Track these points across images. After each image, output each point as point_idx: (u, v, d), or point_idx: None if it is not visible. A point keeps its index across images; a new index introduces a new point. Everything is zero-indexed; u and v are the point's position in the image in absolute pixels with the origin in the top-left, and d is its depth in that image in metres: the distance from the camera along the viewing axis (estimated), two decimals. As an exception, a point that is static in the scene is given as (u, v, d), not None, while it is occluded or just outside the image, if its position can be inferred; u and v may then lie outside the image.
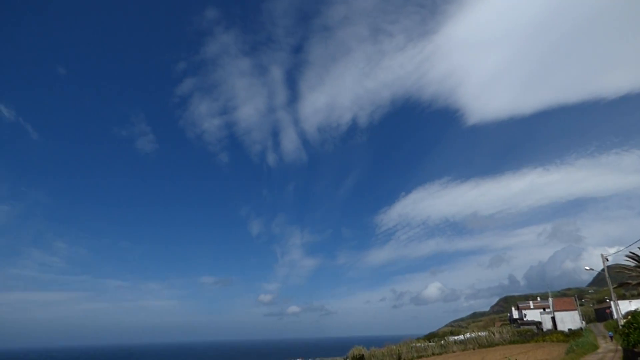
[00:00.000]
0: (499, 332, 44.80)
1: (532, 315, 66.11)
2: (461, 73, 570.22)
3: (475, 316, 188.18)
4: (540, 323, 53.48)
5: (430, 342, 45.20)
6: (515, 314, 73.03)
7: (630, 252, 30.42)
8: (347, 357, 44.86)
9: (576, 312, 51.41)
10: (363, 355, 39.45)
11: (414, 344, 42.28)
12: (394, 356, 38.26)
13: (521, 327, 55.39)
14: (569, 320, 49.52)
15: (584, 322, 53.39)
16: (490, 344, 40.82)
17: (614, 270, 36.68)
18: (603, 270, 33.72)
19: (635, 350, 18.46)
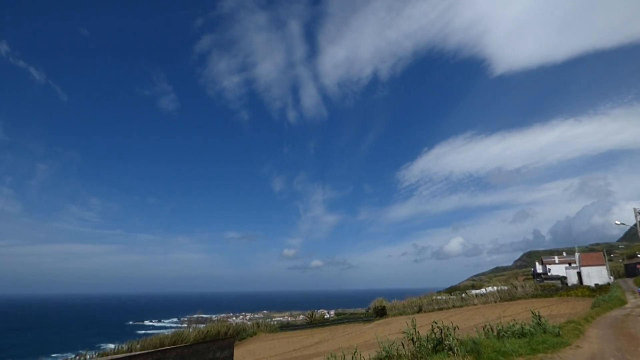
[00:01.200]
0: (522, 286, 44.34)
1: (557, 270, 65.16)
2: (488, 20, 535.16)
3: (497, 271, 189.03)
4: (565, 278, 52.61)
5: (451, 295, 45.29)
6: (539, 268, 72.25)
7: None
8: (369, 309, 45.60)
9: (604, 267, 50.10)
10: (385, 306, 39.85)
11: (434, 297, 42.35)
12: (415, 308, 38.42)
13: (545, 281, 54.76)
14: (596, 275, 48.40)
15: (612, 278, 52.20)
16: (512, 298, 40.43)
17: (649, 225, 34.93)
18: (635, 225, 32.05)
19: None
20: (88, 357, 21.32)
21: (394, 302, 41.97)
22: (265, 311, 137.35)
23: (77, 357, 20.91)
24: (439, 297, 41.21)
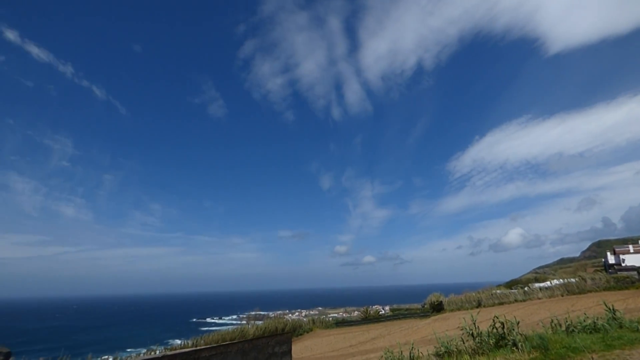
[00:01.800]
0: (591, 278, 41.19)
1: (633, 260, 59.89)
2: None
3: (562, 262, 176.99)
4: (641, 268, 48.25)
5: (512, 289, 43.16)
6: (611, 259, 66.81)
7: None
8: (424, 304, 44.68)
9: (688, 256, 45.38)
10: (441, 301, 38.81)
11: (494, 291, 40.56)
12: (473, 303, 37.04)
13: (618, 273, 50.57)
14: (679, 265, 43.99)
15: (698, 267, 47.17)
16: (580, 291, 37.71)
17: None
18: None
19: None
20: (158, 351, 22.80)
21: (451, 297, 40.74)
22: (320, 308, 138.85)
23: (149, 352, 22.36)
24: (498, 291, 39.38)
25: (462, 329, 10.21)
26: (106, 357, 19.70)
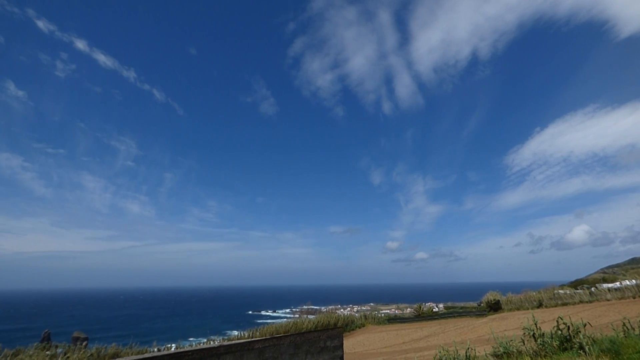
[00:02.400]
0: (673, 279, 37.38)
1: None
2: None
3: (635, 262, 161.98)
4: None
5: (577, 289, 40.27)
6: (696, 257, 60.23)
7: None
8: (481, 302, 42.98)
9: None
10: (499, 300, 37.13)
11: (557, 291, 38.08)
12: (534, 303, 35.02)
13: None
14: None
15: None
16: (660, 292, 34.38)
17: None
18: None
19: None
20: (217, 341, 23.95)
21: (509, 296, 38.80)
22: (372, 303, 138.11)
23: (208, 342, 23.51)
24: (561, 292, 36.90)
25: (522, 329, 9.72)
26: (170, 345, 20.97)
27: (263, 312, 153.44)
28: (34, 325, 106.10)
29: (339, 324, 34.40)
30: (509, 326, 22.50)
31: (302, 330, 20.99)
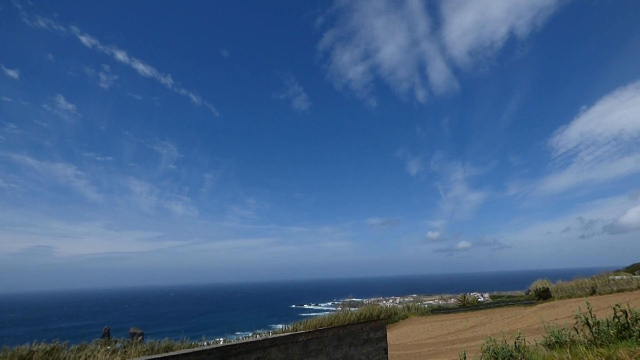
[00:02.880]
0: None
1: None
2: None
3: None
4: None
5: (634, 274, 37.83)
6: None
7: None
8: (529, 291, 41.43)
9: None
10: (548, 288, 35.65)
11: (611, 277, 35.97)
12: (586, 290, 33.34)
13: None
14: None
15: None
16: None
17: None
18: None
19: None
20: (263, 335, 24.62)
21: (559, 284, 37.09)
22: (414, 295, 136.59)
23: (254, 335, 24.19)
24: (617, 277, 34.81)
25: (575, 318, 9.29)
26: (218, 339, 21.76)
27: (306, 306, 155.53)
28: (95, 322, 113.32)
29: (382, 316, 34.33)
30: (560, 315, 21.59)
31: (345, 323, 21.12)
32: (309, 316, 34.07)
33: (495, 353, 8.77)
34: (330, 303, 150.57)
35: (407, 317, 36.31)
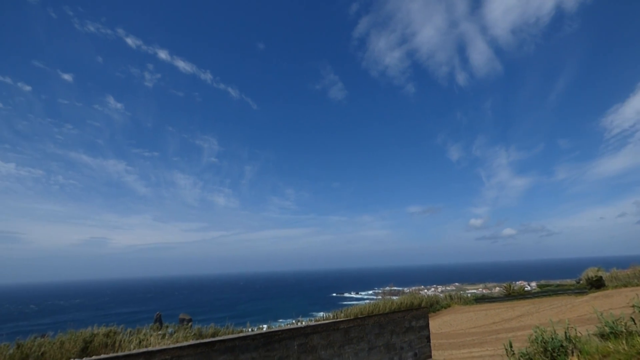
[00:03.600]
0: None
1: None
2: None
3: None
4: None
5: None
6: None
7: None
8: (579, 279, 39.44)
9: None
10: (601, 277, 33.76)
11: (677, 264, 33.50)
12: (647, 278, 31.33)
13: None
14: None
15: None
16: None
17: None
18: None
19: None
20: (304, 322, 25.11)
21: (614, 272, 34.98)
22: (457, 283, 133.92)
23: (296, 322, 24.71)
24: (684, 264, 32.35)
25: (632, 307, 8.77)
26: (262, 325, 22.44)
27: (346, 294, 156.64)
28: (148, 308, 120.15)
29: (423, 305, 33.95)
30: (614, 305, 20.46)
31: (386, 311, 21.13)
32: (349, 304, 34.31)
33: (544, 343, 8.47)
34: (370, 292, 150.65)
35: (449, 306, 35.71)
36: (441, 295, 41.99)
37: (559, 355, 8.08)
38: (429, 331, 7.60)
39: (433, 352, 7.78)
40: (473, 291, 64.12)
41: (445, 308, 35.16)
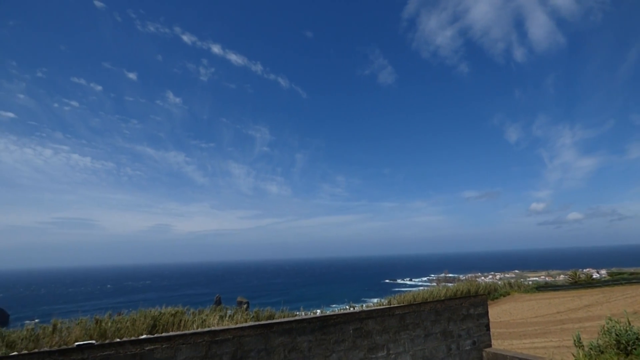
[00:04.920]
0: None
1: None
2: None
3: None
4: None
5: None
6: None
7: None
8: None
9: None
10: (684, 265, 30.61)
11: None
12: None
13: None
14: None
15: None
16: None
17: None
18: None
19: None
20: (357, 308, 25.29)
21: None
22: (516, 270, 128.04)
23: (349, 307, 24.97)
24: None
25: None
26: (315, 310, 22.89)
27: (399, 281, 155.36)
28: (208, 291, 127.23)
29: (480, 292, 32.83)
30: (703, 295, 18.54)
31: (442, 298, 20.73)
32: (403, 291, 34.00)
33: (617, 335, 7.86)
34: (425, 278, 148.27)
35: (508, 294, 34.27)
36: (499, 282, 40.37)
37: (635, 349, 7.46)
38: (488, 319, 7.34)
39: (492, 342, 7.52)
40: (534, 279, 60.95)
41: (504, 296, 33.81)
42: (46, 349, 5.28)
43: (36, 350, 5.17)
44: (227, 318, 14.57)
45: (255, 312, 16.68)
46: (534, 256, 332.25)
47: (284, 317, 16.55)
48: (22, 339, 5.74)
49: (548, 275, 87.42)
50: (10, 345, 5.39)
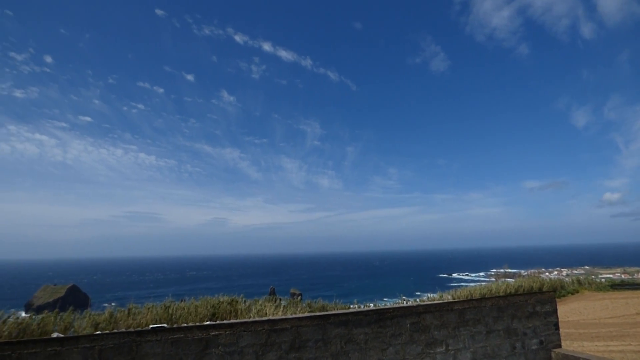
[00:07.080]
0: None
1: None
2: None
3: None
4: None
5: None
6: None
7: None
8: None
9: None
10: None
11: None
12: None
13: None
14: None
15: None
16: None
17: None
18: None
19: None
20: (410, 302, 24.83)
21: None
22: (586, 267, 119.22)
23: (402, 301, 24.67)
24: None
25: None
26: (369, 303, 22.83)
27: (454, 275, 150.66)
28: (263, 282, 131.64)
29: (544, 289, 30.86)
30: None
31: (502, 294, 19.83)
32: (459, 286, 32.86)
33: None
34: (482, 273, 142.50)
35: (577, 292, 31.96)
36: (567, 279, 37.72)
37: None
38: (557, 318, 6.89)
39: (562, 342, 7.08)
40: (608, 276, 56.28)
41: (572, 294, 31.60)
42: (124, 329, 5.83)
43: (116, 330, 5.74)
44: (281, 308, 14.98)
45: (308, 303, 16.98)
46: (607, 251, 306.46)
47: (335, 309, 16.69)
48: (104, 320, 6.42)
49: (624, 273, 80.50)
50: (95, 326, 6.11)
